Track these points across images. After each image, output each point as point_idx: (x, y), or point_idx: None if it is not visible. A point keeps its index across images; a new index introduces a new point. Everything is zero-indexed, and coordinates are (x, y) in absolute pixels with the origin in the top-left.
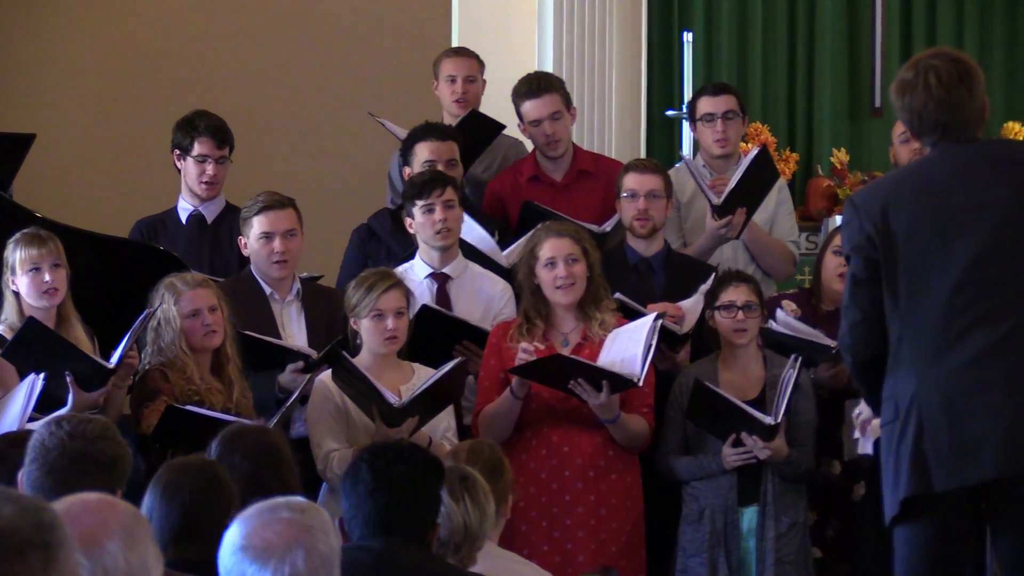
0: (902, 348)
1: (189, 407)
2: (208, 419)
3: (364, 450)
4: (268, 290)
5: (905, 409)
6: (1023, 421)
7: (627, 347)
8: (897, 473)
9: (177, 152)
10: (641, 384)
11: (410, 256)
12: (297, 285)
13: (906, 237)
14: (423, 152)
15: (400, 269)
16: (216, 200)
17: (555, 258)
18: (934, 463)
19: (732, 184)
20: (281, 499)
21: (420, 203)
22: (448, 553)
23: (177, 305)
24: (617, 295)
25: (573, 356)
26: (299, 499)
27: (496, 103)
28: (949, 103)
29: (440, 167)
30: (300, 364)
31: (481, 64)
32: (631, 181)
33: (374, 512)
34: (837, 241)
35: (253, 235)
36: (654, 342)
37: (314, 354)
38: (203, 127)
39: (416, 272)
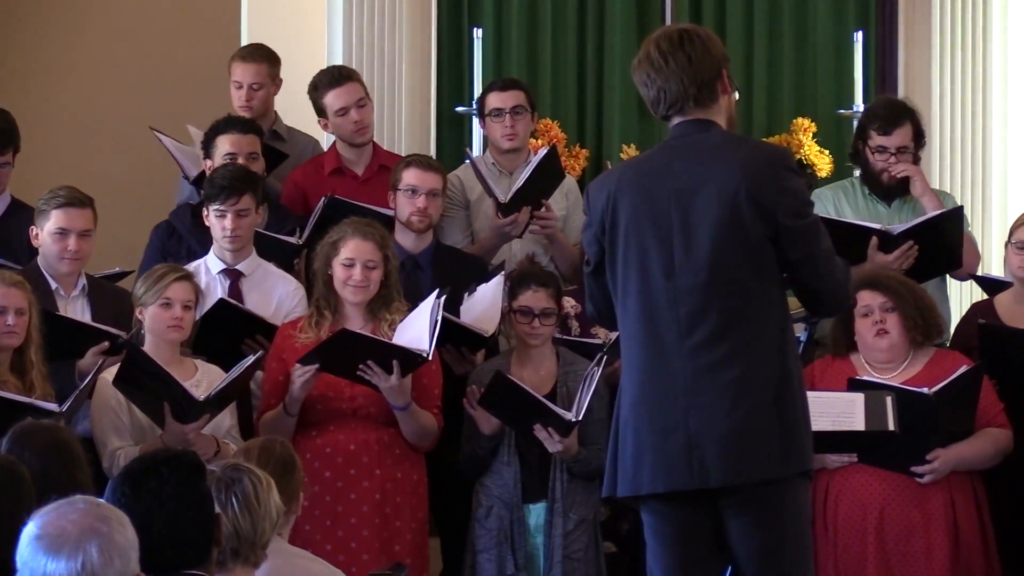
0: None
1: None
2: (9, 404)
3: (123, 476)
4: (53, 284)
5: (616, 405)
6: (695, 436)
7: (413, 328)
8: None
9: None
10: (430, 358)
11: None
12: (83, 281)
13: (623, 236)
14: (224, 145)
15: (193, 265)
16: (1, 197)
17: (354, 260)
18: (611, 469)
19: (520, 183)
20: (78, 496)
21: (214, 207)
22: (227, 559)
23: None
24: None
25: (360, 332)
26: (95, 498)
27: (285, 97)
28: (668, 72)
29: (241, 160)
30: (105, 345)
31: (272, 66)
32: (412, 177)
33: None
34: None
35: (47, 229)
36: (439, 318)
37: (123, 335)
38: None
39: (210, 267)
